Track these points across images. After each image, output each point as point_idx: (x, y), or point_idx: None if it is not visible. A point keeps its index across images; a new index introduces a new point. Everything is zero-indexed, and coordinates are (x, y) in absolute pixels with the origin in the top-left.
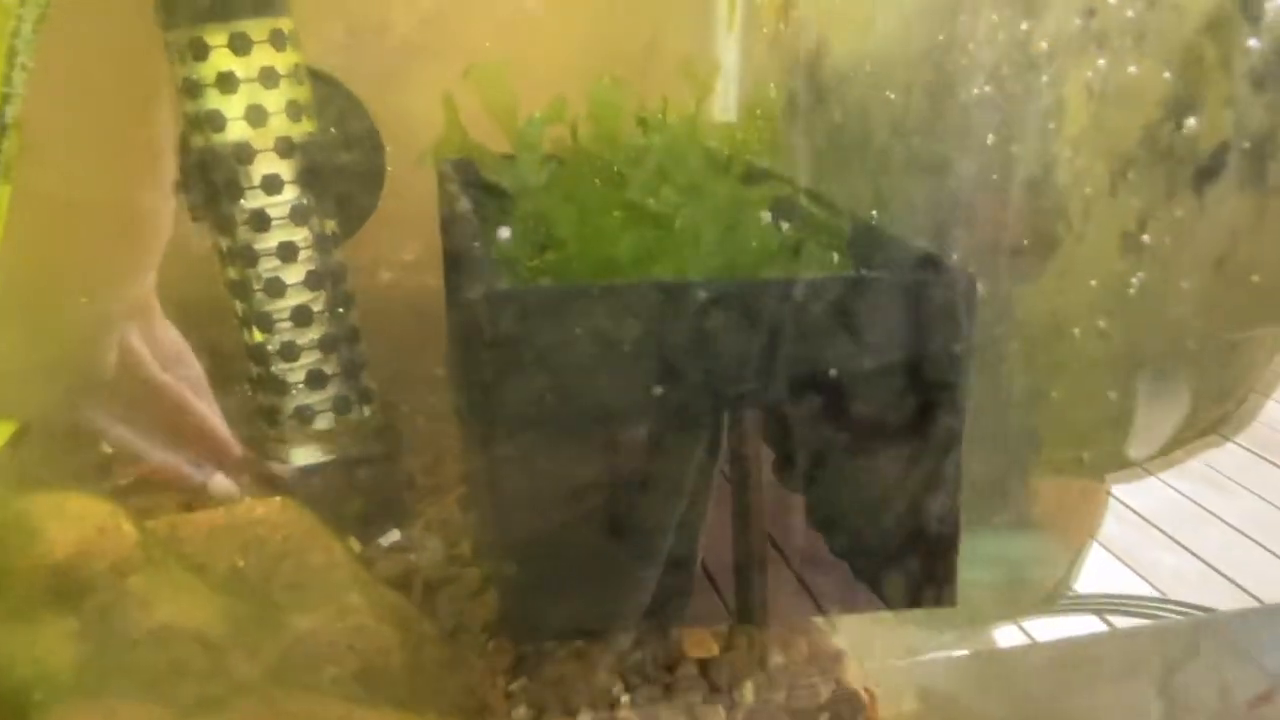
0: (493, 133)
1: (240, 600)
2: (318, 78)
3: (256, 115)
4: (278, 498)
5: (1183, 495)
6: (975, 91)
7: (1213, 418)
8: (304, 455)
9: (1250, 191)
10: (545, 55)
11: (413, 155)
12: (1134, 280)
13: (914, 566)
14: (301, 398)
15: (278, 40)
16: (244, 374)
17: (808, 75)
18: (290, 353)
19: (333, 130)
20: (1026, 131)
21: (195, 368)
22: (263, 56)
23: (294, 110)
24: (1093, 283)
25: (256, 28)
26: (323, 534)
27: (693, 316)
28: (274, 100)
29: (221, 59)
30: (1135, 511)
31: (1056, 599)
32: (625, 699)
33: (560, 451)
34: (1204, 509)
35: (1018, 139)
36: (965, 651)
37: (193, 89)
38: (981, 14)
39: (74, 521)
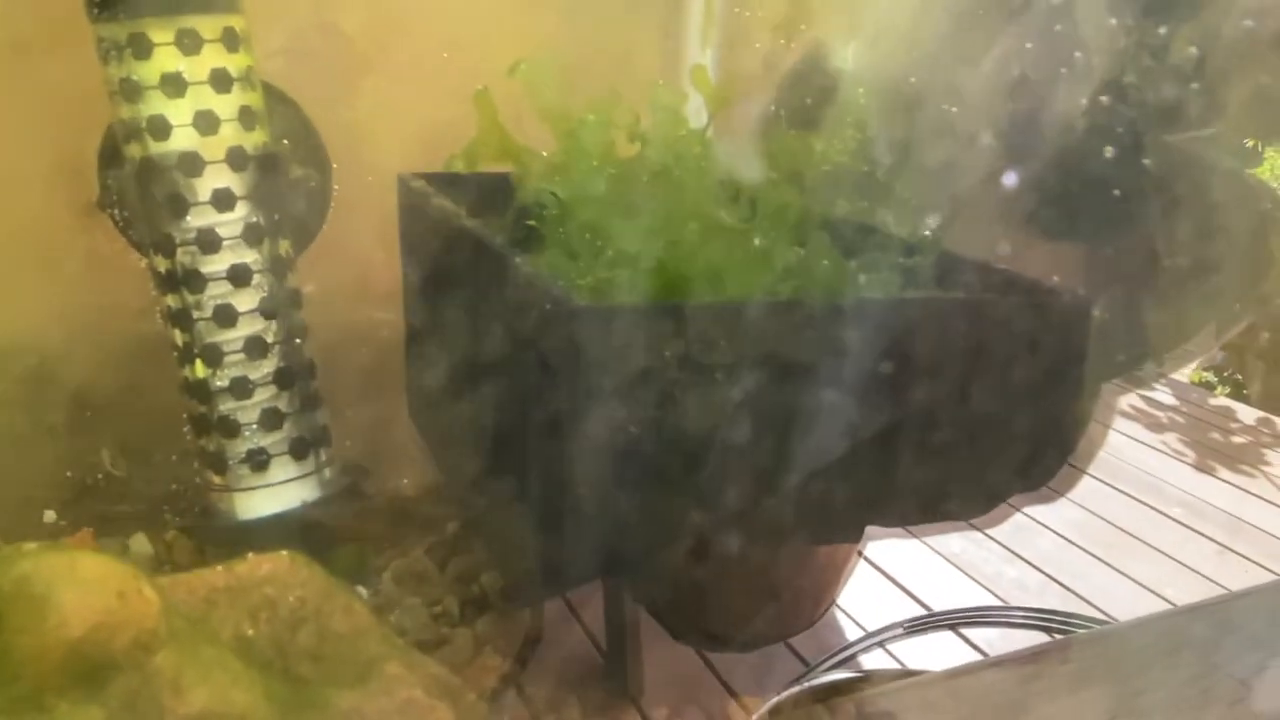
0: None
1: (277, 677)
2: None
3: (206, 122)
4: (284, 552)
5: (1014, 508)
6: (1083, 101)
7: None
8: (255, 506)
9: None
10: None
11: (360, 172)
12: None
13: None
14: (255, 440)
15: (230, 40)
16: (183, 413)
17: (824, 91)
18: (242, 389)
19: (285, 143)
20: (1163, 142)
21: None
22: (214, 57)
23: (247, 118)
24: None
25: (208, 24)
26: (342, 594)
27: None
28: (226, 106)
29: (167, 58)
30: (974, 525)
31: None
32: None
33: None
34: (1034, 520)
35: (1150, 150)
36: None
37: (131, 91)
38: (1090, 18)
39: (91, 587)
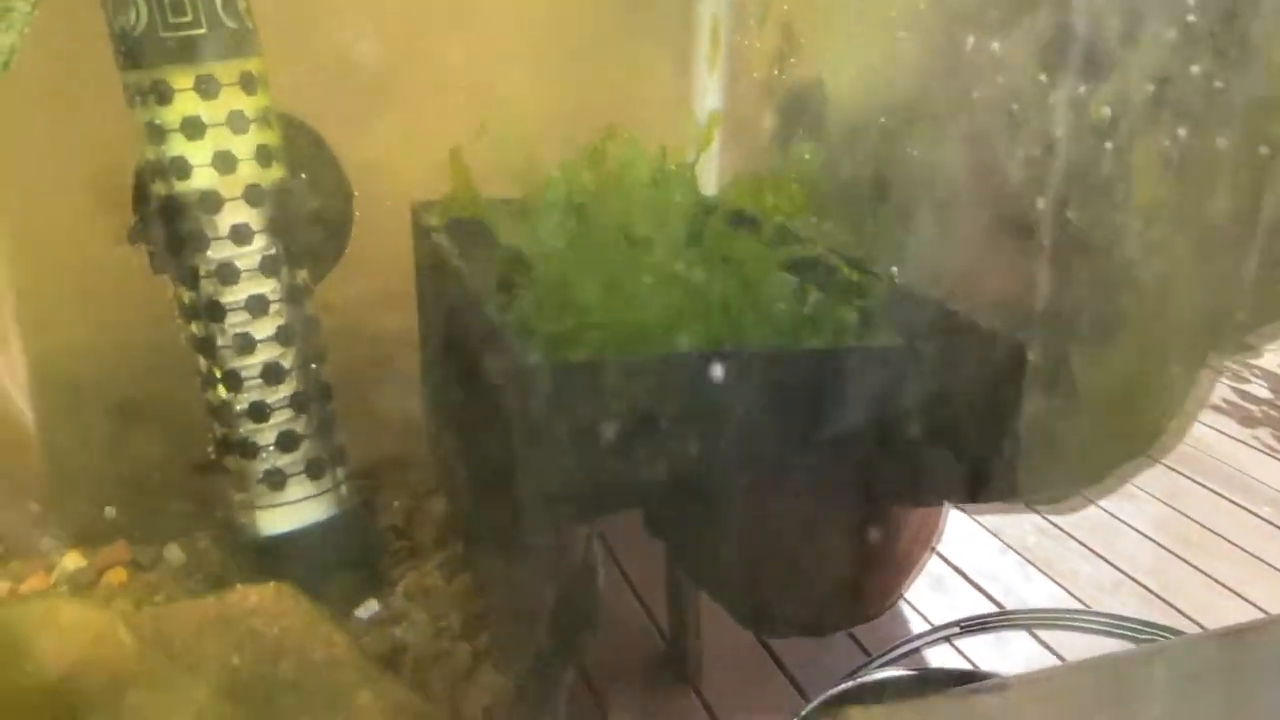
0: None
1: (247, 709)
2: (284, 121)
3: (225, 162)
4: (271, 584)
5: (1096, 505)
6: (1022, 154)
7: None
8: (274, 523)
9: None
10: (519, 94)
11: (381, 198)
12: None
13: None
14: (272, 460)
15: (248, 83)
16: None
17: (814, 126)
18: (260, 413)
19: (303, 176)
20: (1085, 198)
21: None
22: (231, 100)
23: (264, 156)
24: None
25: (225, 70)
26: (323, 625)
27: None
28: (243, 146)
29: (187, 103)
30: (1053, 523)
31: None
32: None
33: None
34: (1115, 518)
35: (1074, 204)
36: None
37: (155, 134)
38: (1028, 73)
39: (68, 633)
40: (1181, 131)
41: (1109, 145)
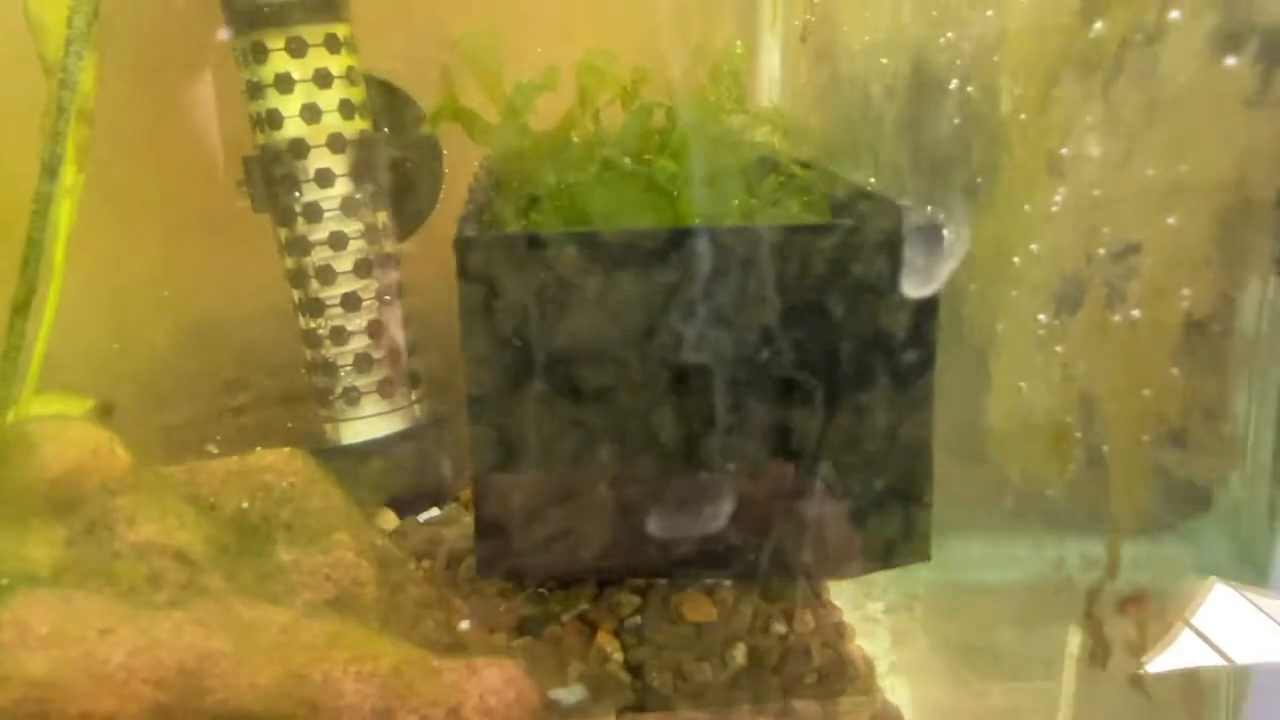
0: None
1: (228, 530)
2: (379, 84)
3: (311, 113)
4: (286, 449)
5: None
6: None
7: None
8: (350, 434)
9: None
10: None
11: (470, 158)
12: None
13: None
14: (349, 380)
15: (332, 44)
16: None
17: (830, 61)
18: (340, 337)
19: (385, 130)
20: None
21: None
22: (317, 59)
23: (347, 109)
24: (1026, 207)
25: (312, 32)
26: (323, 481)
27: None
28: (327, 99)
29: (279, 61)
30: None
31: None
32: (618, 656)
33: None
34: None
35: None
36: None
37: (254, 90)
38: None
39: (72, 443)
40: None
41: None
